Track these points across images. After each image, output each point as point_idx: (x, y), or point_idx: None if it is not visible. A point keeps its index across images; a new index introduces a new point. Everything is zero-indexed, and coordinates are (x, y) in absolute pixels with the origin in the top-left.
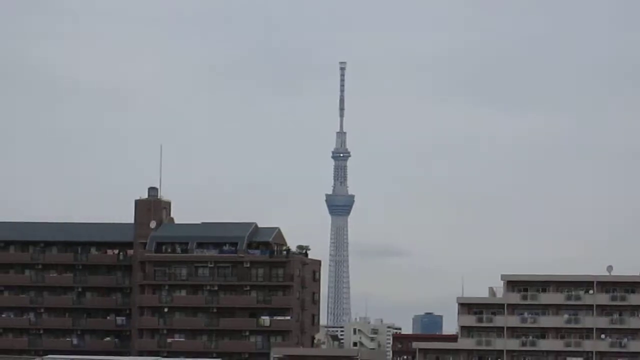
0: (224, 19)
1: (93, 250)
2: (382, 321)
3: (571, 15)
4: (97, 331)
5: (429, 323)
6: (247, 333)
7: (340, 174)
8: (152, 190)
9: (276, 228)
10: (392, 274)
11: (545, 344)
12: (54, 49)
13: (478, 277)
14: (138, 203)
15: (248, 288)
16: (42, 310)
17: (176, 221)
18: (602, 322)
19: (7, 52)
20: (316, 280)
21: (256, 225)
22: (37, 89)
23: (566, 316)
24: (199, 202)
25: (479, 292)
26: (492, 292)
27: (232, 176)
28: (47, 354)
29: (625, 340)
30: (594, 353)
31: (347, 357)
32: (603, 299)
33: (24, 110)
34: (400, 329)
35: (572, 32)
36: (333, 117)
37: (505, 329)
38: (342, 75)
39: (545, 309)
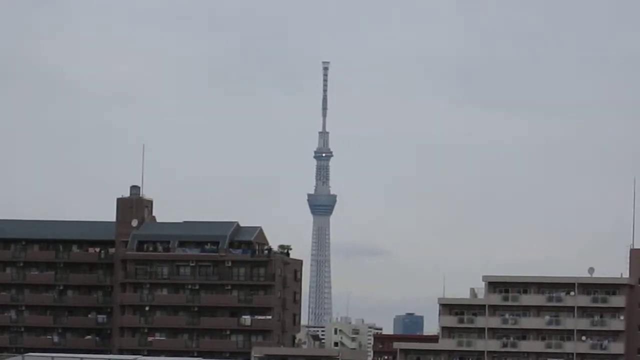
0: (208, 18)
1: (74, 248)
2: (363, 321)
3: (569, 13)
4: (78, 329)
5: (410, 323)
6: (228, 332)
7: (322, 174)
8: (134, 188)
9: (258, 227)
10: (374, 274)
11: (526, 345)
12: (45, 45)
13: (460, 277)
14: (120, 201)
15: (229, 287)
16: (23, 308)
17: (158, 220)
18: (583, 323)
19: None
20: (297, 279)
21: (238, 225)
22: (21, 85)
23: (547, 317)
24: (181, 201)
25: (460, 292)
26: (473, 293)
27: (214, 175)
28: (27, 352)
29: (606, 342)
30: (574, 355)
31: (328, 357)
32: (584, 300)
33: (6, 106)
34: (381, 329)
35: (569, 30)
36: (316, 116)
37: (486, 330)
38: (325, 75)
39: (526, 310)
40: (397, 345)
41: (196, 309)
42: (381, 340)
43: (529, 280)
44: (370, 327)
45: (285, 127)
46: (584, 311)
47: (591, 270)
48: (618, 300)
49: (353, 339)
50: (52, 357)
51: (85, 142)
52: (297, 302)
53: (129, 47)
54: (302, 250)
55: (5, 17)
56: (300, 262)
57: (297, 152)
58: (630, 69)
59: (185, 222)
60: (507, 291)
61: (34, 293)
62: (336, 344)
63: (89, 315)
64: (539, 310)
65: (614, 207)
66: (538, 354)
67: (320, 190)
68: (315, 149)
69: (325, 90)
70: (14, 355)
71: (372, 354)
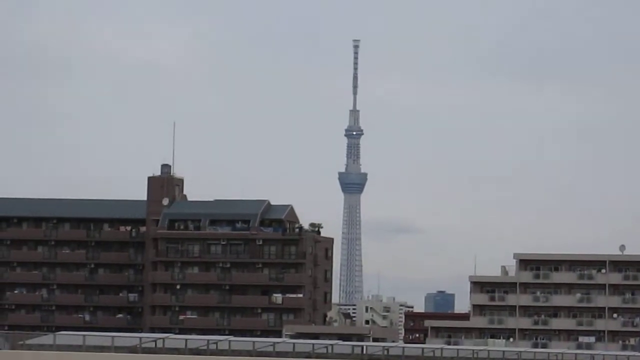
0: None
1: (106, 227)
2: (394, 299)
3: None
4: (109, 308)
5: (442, 301)
6: (260, 310)
7: (353, 152)
8: (165, 167)
9: (289, 206)
10: (405, 252)
11: (557, 323)
12: (71, 27)
13: (491, 255)
14: (151, 180)
15: (260, 265)
16: (55, 287)
17: (189, 198)
18: (614, 301)
19: (17, 33)
20: (328, 258)
21: (269, 203)
22: (46, 66)
23: (578, 295)
24: (212, 180)
25: (491, 270)
26: (504, 270)
27: (245, 154)
28: (59, 330)
29: (637, 319)
30: (605, 332)
31: (359, 334)
32: (615, 278)
33: (34, 87)
34: (412, 307)
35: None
36: (346, 95)
37: (517, 308)
38: (356, 53)
39: (557, 288)
40: (428, 323)
41: (227, 287)
42: (412, 318)
43: (560, 258)
44: (401, 305)
45: (316, 105)
46: (615, 289)
47: (622, 247)
48: None
49: (384, 317)
50: (84, 335)
51: (115, 121)
52: (328, 280)
53: (161, 25)
54: (333, 229)
55: None
56: (331, 240)
57: (328, 130)
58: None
59: (216, 200)
60: (538, 269)
61: (65, 272)
62: (367, 322)
63: (120, 294)
64: (570, 288)
65: None
66: (569, 332)
67: (351, 169)
68: (346, 127)
69: (355, 69)
70: (46, 334)
71: (403, 331)
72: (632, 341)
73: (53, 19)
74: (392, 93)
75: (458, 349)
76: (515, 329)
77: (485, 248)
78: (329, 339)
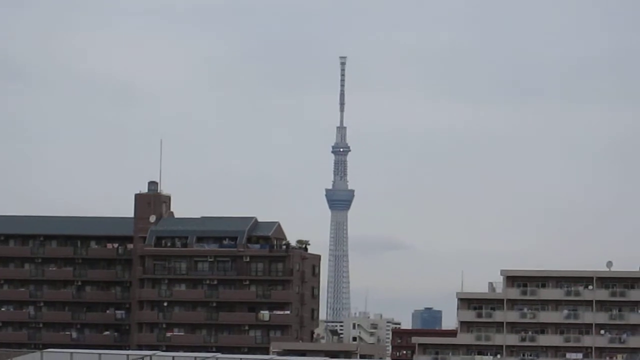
0: (224, 13)
1: (93, 244)
2: (381, 316)
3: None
4: (96, 325)
5: (429, 318)
6: (247, 327)
7: (340, 169)
8: (152, 184)
9: (276, 222)
10: (392, 268)
11: (545, 340)
12: (57, 42)
13: (478, 272)
14: (138, 197)
15: (247, 282)
16: (42, 304)
17: (176, 215)
18: (602, 317)
19: (15, 45)
20: (316, 275)
21: (256, 220)
22: (37, 80)
23: (565, 312)
24: (199, 197)
25: (478, 287)
26: (491, 287)
27: (232, 171)
28: (46, 348)
29: (624, 336)
30: (593, 349)
31: (347, 351)
32: (602, 294)
33: (24, 102)
34: (399, 323)
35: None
36: (333, 111)
37: (504, 324)
38: (343, 70)
39: (544, 304)
40: (415, 339)
41: (214, 304)
42: (400, 334)
43: (547, 275)
44: (388, 322)
45: (303, 122)
46: (603, 305)
47: (609, 264)
48: (637, 294)
49: (371, 334)
50: (71, 352)
51: (102, 138)
52: (315, 297)
53: (145, 43)
54: (320, 245)
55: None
56: (318, 257)
57: (314, 147)
58: None
59: (203, 217)
60: (525, 285)
61: (53, 289)
62: (354, 339)
63: (108, 311)
64: (557, 304)
65: (632, 203)
66: (556, 348)
67: (338, 185)
68: (333, 144)
69: (342, 86)
70: (33, 351)
71: (390, 348)
72: (620, 358)
73: (43, 36)
74: (379, 110)
75: None
76: (502, 346)
77: (472, 265)
78: (317, 356)
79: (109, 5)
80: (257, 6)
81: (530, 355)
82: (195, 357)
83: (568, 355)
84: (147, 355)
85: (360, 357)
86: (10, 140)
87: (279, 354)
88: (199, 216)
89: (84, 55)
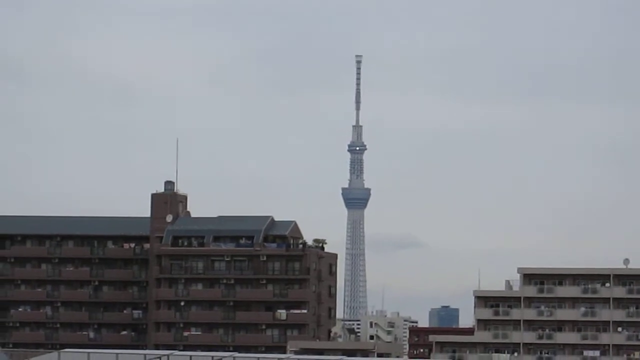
0: (240, 12)
1: (109, 244)
2: (398, 314)
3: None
4: (113, 325)
5: (446, 316)
6: (264, 326)
7: (356, 168)
8: (169, 184)
9: (292, 222)
10: (409, 267)
11: (562, 337)
12: (69, 42)
13: (495, 269)
14: (154, 197)
15: (264, 282)
16: (59, 304)
17: (192, 215)
18: (619, 315)
19: (18, 45)
20: (332, 273)
21: (272, 219)
22: (51, 81)
23: (583, 309)
24: (216, 196)
25: (495, 285)
26: (508, 285)
27: (248, 170)
28: (63, 348)
29: None
30: (610, 346)
31: (364, 350)
32: (619, 292)
33: (37, 103)
34: (416, 322)
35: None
36: (349, 110)
37: (521, 322)
38: (358, 68)
39: (561, 302)
40: (432, 338)
41: (231, 303)
42: (417, 333)
43: (564, 272)
44: (405, 320)
45: (320, 121)
46: (620, 302)
47: (626, 261)
48: None
49: (389, 332)
50: (88, 352)
51: (119, 137)
52: (332, 295)
53: (163, 43)
54: (336, 244)
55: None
56: (335, 256)
57: (331, 145)
58: None
59: (219, 216)
60: (542, 283)
61: (70, 289)
62: (372, 337)
63: (125, 311)
64: (574, 301)
65: None
66: (574, 346)
67: (355, 184)
68: (349, 143)
69: (358, 84)
70: (50, 351)
71: (407, 347)
72: (637, 354)
73: (41, 33)
74: (395, 108)
75: None
76: (519, 344)
77: (489, 263)
78: (334, 355)
79: (110, 6)
80: (271, 5)
81: (548, 353)
82: (213, 357)
83: (585, 352)
84: (164, 355)
85: (378, 356)
86: (27, 140)
87: (296, 352)
88: (215, 215)
89: (100, 56)
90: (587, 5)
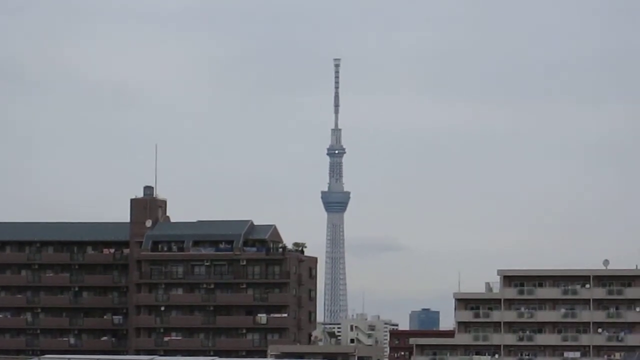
0: (219, 15)
1: (89, 250)
2: (379, 317)
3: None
4: (94, 330)
5: (426, 319)
6: (244, 331)
7: (335, 171)
8: (148, 189)
9: (272, 225)
10: (389, 270)
11: (542, 339)
12: (51, 46)
13: (475, 272)
14: (134, 202)
15: (244, 286)
16: (39, 310)
17: (172, 220)
18: (599, 316)
19: (13, 49)
20: (312, 277)
21: (252, 223)
22: (30, 84)
23: (563, 310)
24: (195, 201)
25: (475, 287)
26: (488, 287)
27: (227, 174)
28: (44, 354)
29: (622, 334)
30: (591, 347)
31: (345, 353)
32: (599, 293)
33: (18, 106)
34: (397, 325)
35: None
36: (328, 113)
37: (502, 324)
38: (337, 71)
39: (542, 303)
40: (413, 340)
41: (212, 308)
42: (397, 336)
43: (544, 274)
44: (386, 323)
45: (298, 125)
46: (600, 303)
47: (606, 262)
48: (634, 292)
49: (369, 335)
50: (69, 358)
51: (98, 142)
52: (312, 299)
53: (141, 47)
54: (316, 248)
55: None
56: (315, 260)
57: (310, 149)
58: None
59: (199, 221)
60: (522, 285)
61: (50, 295)
62: (352, 341)
63: (105, 317)
64: (554, 303)
65: (628, 202)
66: (554, 347)
67: (334, 187)
68: (328, 146)
69: (337, 87)
70: (31, 358)
71: (388, 349)
72: (617, 355)
73: (38, 40)
74: (374, 111)
75: None
76: (500, 346)
77: (469, 265)
78: (314, 358)
79: (106, 10)
80: (250, 8)
81: (528, 355)
82: None
83: (566, 354)
84: None
85: (358, 359)
86: (4, 144)
87: (276, 356)
88: (195, 220)
89: (80, 60)
90: (586, 5)
